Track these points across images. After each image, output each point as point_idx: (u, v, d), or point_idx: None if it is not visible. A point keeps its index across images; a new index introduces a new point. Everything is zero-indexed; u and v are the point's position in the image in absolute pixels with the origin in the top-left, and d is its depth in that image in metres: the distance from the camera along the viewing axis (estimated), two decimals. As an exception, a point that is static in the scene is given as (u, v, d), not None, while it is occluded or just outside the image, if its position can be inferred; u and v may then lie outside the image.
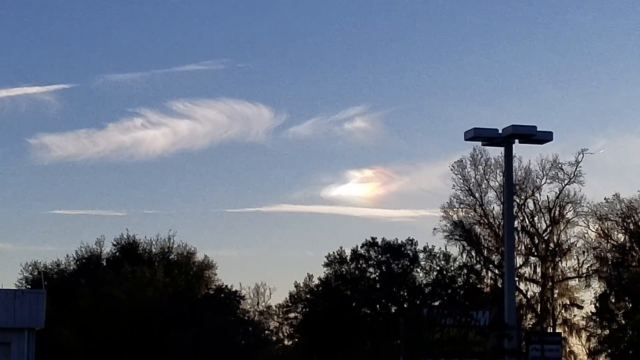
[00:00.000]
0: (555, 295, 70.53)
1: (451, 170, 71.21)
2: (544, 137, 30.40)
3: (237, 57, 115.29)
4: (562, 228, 70.93)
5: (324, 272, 67.86)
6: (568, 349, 68.83)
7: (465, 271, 67.71)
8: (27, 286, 71.30)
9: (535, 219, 71.26)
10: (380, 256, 67.46)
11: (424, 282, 67.56)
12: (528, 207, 70.95)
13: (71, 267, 74.62)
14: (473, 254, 70.07)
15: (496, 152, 65.14)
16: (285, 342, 72.98)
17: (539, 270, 70.64)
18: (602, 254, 69.82)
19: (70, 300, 65.42)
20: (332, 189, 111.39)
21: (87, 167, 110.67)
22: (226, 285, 70.37)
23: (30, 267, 74.64)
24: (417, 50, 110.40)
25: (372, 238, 67.84)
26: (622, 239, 69.74)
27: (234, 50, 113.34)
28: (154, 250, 75.59)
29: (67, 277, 72.74)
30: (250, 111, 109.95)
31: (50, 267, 74.34)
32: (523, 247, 70.33)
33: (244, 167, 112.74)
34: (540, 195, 70.91)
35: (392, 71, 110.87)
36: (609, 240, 69.87)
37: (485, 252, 70.78)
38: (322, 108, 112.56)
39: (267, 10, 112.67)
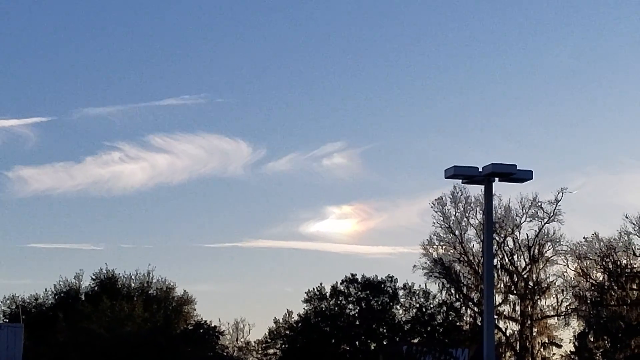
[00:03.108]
0: (534, 334, 69.69)
1: (431, 207, 70.75)
2: (523, 176, 29.30)
3: (216, 92, 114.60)
4: (541, 266, 70.26)
5: (304, 308, 67.76)
6: (547, 388, 68.31)
7: (445, 308, 67.46)
8: (4, 320, 70.92)
9: (515, 257, 70.55)
10: (359, 293, 67.35)
11: (404, 319, 67.48)
12: (507, 245, 70.39)
13: (49, 301, 74.32)
14: (452, 291, 69.43)
15: (476, 190, 65.50)
16: (265, 378, 72.17)
17: (518, 308, 69.86)
18: (581, 292, 69.14)
19: (48, 334, 64.71)
20: (310, 224, 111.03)
21: (65, 201, 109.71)
22: (205, 321, 70.36)
23: (8, 301, 74.44)
24: (396, 87, 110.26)
25: (352, 274, 67.82)
26: (600, 278, 68.99)
27: (212, 85, 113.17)
28: (133, 284, 75.39)
29: (45, 310, 72.35)
30: (228, 146, 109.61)
31: (28, 300, 74.10)
32: (502, 285, 69.60)
33: (223, 202, 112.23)
34: (519, 233, 70.28)
35: (370, 108, 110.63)
36: (588, 279, 69.13)
37: (465, 290, 70.10)
38: (301, 144, 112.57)
39: (246, 46, 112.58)
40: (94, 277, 75.14)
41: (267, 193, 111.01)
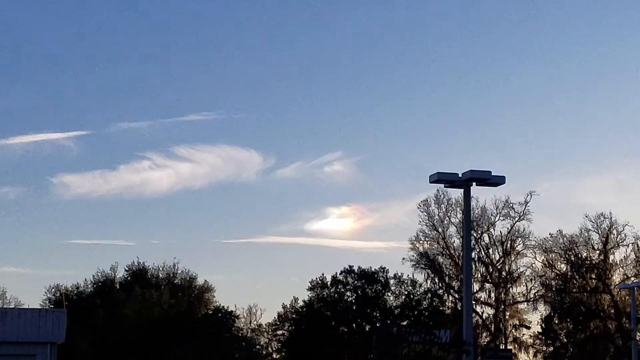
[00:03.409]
0: (507, 317, 70.50)
1: (418, 208, 71.43)
2: (497, 181, 30.53)
3: (232, 109, 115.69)
4: (512, 259, 71.03)
5: (308, 296, 67.62)
6: (518, 364, 68.78)
7: (430, 295, 67.23)
8: (50, 306, 71.32)
9: (490, 250, 71.39)
10: (356, 282, 67.04)
11: (394, 304, 67.15)
12: (484, 241, 71.19)
13: (89, 290, 74.76)
14: (436, 280, 70.04)
15: (456, 193, 65.64)
16: (274, 356, 72.57)
17: (492, 295, 70.65)
18: (547, 281, 69.76)
19: (87, 318, 65.49)
20: (313, 223, 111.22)
21: (102, 203, 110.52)
22: (223, 306, 70.34)
23: (53, 290, 75.06)
24: (386, 105, 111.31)
25: (349, 266, 67.51)
26: (564, 269, 69.63)
27: (229, 103, 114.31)
28: (160, 275, 75.81)
29: (85, 298, 72.84)
30: (242, 155, 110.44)
31: (70, 289, 74.54)
32: (479, 275, 70.44)
33: (237, 204, 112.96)
34: (494, 230, 71.13)
35: (364, 122, 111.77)
36: (553, 270, 69.79)
37: (447, 279, 70.76)
38: (305, 153, 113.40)
39: (258, 69, 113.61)
40: (127, 268, 75.87)
41: (275, 196, 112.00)
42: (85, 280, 75.80)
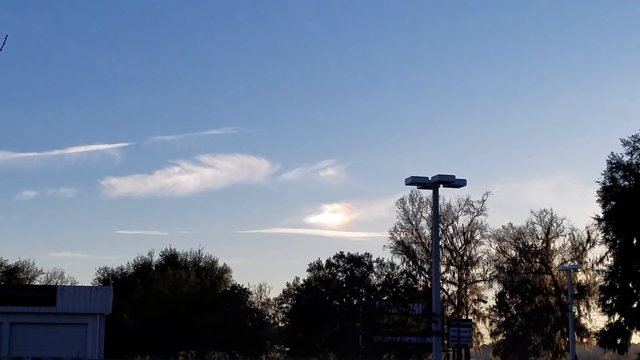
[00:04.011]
0: (468, 293, 70.12)
1: (395, 205, 71.08)
2: (460, 183, 30.31)
3: (246, 125, 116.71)
4: (472, 246, 70.70)
5: (307, 276, 67.78)
6: (476, 331, 68.62)
7: (405, 276, 67.58)
8: (99, 284, 70.70)
9: (454, 239, 70.98)
10: (346, 265, 67.25)
11: (377, 283, 67.37)
12: (449, 231, 70.72)
13: (130, 271, 74.35)
14: (410, 263, 69.72)
15: (427, 193, 66.20)
16: (280, 325, 72.48)
17: (456, 275, 70.34)
18: (500, 264, 69.48)
19: (129, 293, 65.26)
20: (311, 217, 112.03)
21: (141, 201, 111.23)
22: (238, 284, 70.49)
23: (101, 271, 74.58)
24: (371, 120, 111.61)
25: (340, 252, 67.76)
26: (514, 254, 69.35)
27: (244, 120, 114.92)
28: (188, 259, 75.22)
29: (127, 277, 72.55)
30: (254, 163, 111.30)
31: (115, 270, 74.21)
32: (445, 259, 69.94)
33: (250, 201, 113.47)
34: (457, 223, 70.71)
35: (354, 135, 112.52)
36: (505, 255, 69.51)
37: (419, 262, 70.36)
38: (304, 161, 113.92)
39: (267, 91, 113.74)
40: (161, 254, 75.36)
41: (280, 195, 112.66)
42: (128, 263, 75.69)
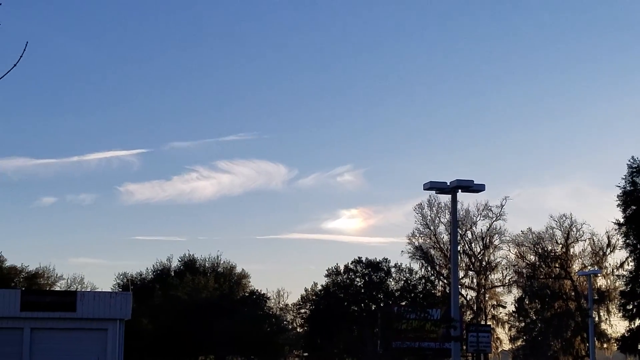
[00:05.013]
0: (487, 298, 70.20)
1: (414, 210, 71.45)
2: (479, 188, 30.31)
3: (263, 130, 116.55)
4: (491, 251, 70.75)
5: (325, 281, 67.34)
6: (495, 336, 68.70)
7: (424, 281, 67.01)
8: (119, 289, 71.59)
9: (473, 244, 71.09)
10: (364, 270, 66.41)
11: (395, 288, 66.54)
12: (467, 237, 70.88)
13: (149, 276, 74.72)
14: (429, 269, 69.89)
15: (445, 198, 65.20)
16: (298, 330, 72.56)
17: (475, 280, 70.42)
18: (519, 269, 69.37)
19: (148, 299, 65.58)
20: (328, 223, 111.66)
21: (159, 207, 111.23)
22: (257, 290, 70.60)
23: (121, 276, 75.02)
24: (389, 125, 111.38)
25: (358, 257, 67.01)
26: (533, 259, 69.24)
27: (261, 126, 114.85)
28: (207, 265, 75.54)
29: (146, 283, 72.96)
30: (271, 168, 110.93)
31: (134, 276, 74.56)
32: (464, 264, 70.06)
33: (268, 207, 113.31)
34: (476, 228, 70.83)
35: (371, 140, 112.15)
36: (524, 260, 69.43)
37: (438, 268, 70.54)
38: (322, 166, 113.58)
39: (284, 98, 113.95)
40: (180, 259, 75.82)
41: (298, 201, 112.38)
42: (147, 269, 76.19)
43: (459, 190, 29.86)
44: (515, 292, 69.10)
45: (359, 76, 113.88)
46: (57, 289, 72.63)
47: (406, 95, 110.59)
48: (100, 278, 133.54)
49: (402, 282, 66.61)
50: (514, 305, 67.92)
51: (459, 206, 66.77)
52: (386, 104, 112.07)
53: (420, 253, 69.84)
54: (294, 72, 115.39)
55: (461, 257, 68.76)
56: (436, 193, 30.66)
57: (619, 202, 41.73)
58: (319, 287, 67.71)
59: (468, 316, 68.32)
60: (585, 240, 67.12)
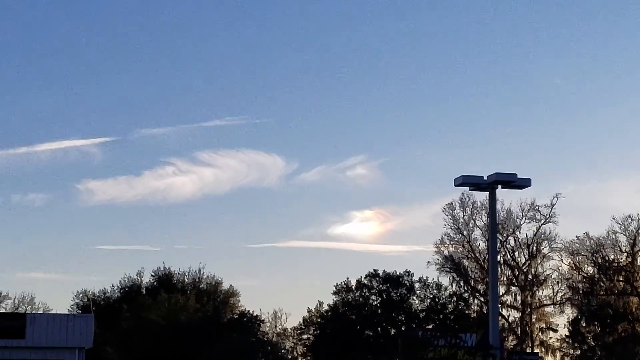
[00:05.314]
0: (533, 320, 70.20)
1: (443, 211, 71.31)
2: (523, 183, 30.26)
3: (254, 113, 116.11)
4: (539, 262, 70.78)
5: (333, 300, 67.84)
6: (545, 367, 68.67)
7: (455, 299, 67.43)
8: (78, 311, 71.36)
9: (516, 253, 71.17)
10: (381, 285, 67.20)
11: (419, 308, 67.33)
12: (509, 244, 70.97)
13: (115, 295, 74.73)
14: (462, 284, 69.95)
15: (481, 196, 65.32)
16: (299, 360, 72.83)
17: (519, 298, 70.50)
18: (574, 284, 69.51)
19: (114, 323, 65.36)
20: (337, 227, 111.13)
21: (127, 209, 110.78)
22: (248, 311, 70.33)
23: (80, 295, 74.92)
24: (409, 107, 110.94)
25: (374, 270, 67.62)
26: (591, 271, 69.36)
27: (251, 108, 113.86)
28: (186, 280, 75.59)
29: (112, 303, 72.83)
30: (265, 160, 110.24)
31: (97, 294, 74.48)
32: (505, 278, 70.11)
33: (261, 208, 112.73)
34: (520, 233, 70.84)
35: (387, 125, 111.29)
36: (580, 273, 69.53)
37: (472, 283, 70.62)
38: (328, 157, 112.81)
39: (280, 73, 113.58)
40: (153, 274, 75.60)
41: (299, 200, 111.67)
42: (112, 285, 76.03)
43: (499, 187, 29.90)
44: (569, 312, 69.63)
45: (373, 46, 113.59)
46: (2, 310, 72.56)
47: (436, 69, 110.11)
48: (54, 297, 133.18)
49: (429, 300, 67.20)
50: (568, 328, 68.78)
51: (498, 206, 66.93)
52: (409, 81, 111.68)
53: (451, 264, 69.89)
54: (292, 42, 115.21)
55: (501, 269, 68.76)
56: (470, 190, 30.68)
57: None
58: (325, 307, 67.98)
59: (510, 342, 68.29)
60: (656, 248, 67.14)
